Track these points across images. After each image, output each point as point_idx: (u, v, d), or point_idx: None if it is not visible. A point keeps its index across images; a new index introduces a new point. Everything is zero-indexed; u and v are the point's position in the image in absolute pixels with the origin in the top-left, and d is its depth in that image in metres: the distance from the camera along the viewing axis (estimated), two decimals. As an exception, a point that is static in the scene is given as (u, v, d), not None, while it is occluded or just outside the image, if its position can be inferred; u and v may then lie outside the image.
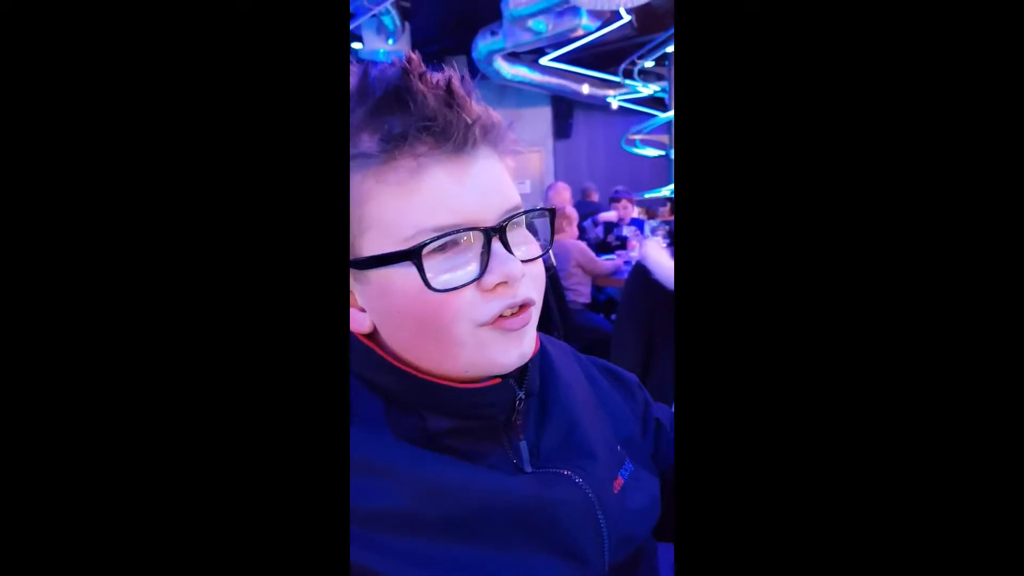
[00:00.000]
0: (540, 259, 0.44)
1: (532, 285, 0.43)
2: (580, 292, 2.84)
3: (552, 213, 0.46)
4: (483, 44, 5.74)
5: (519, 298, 0.41)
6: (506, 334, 0.41)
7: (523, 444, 0.46)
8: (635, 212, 4.11)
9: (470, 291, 0.40)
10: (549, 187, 3.72)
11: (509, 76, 6.20)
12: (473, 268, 0.40)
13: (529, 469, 0.45)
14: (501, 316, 0.41)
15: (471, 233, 0.39)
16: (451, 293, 0.39)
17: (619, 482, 0.49)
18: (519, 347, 0.42)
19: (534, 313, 0.43)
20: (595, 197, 5.08)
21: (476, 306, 0.40)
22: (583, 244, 3.00)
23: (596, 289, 3.04)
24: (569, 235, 2.97)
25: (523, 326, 0.42)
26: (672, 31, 5.56)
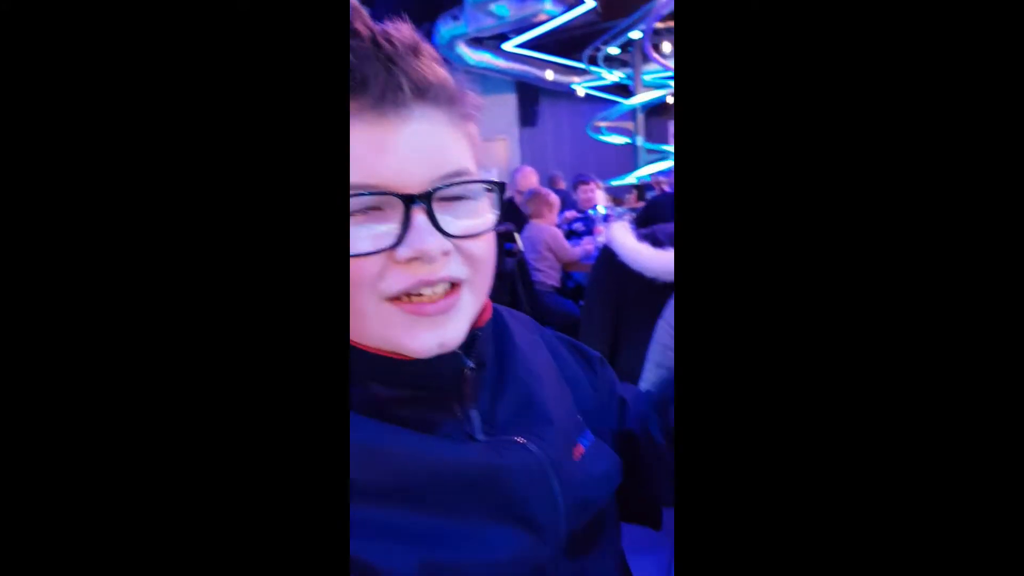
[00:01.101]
0: (484, 236, 0.40)
1: (462, 264, 0.39)
2: (550, 275, 2.83)
3: (501, 187, 0.42)
4: (445, 29, 5.65)
5: (438, 276, 0.38)
6: (417, 318, 0.38)
7: (474, 413, 0.44)
8: (602, 197, 4.10)
9: (380, 260, 0.36)
10: (516, 171, 3.66)
11: (472, 62, 6.13)
12: (387, 236, 0.36)
13: (481, 437, 0.44)
14: (418, 296, 0.38)
15: (389, 199, 0.36)
16: (357, 258, 0.36)
17: (579, 449, 0.48)
18: (436, 333, 0.39)
19: (463, 297, 0.40)
20: (562, 185, 5.07)
21: (383, 277, 0.37)
22: (555, 229, 2.98)
23: (564, 275, 3.03)
24: (548, 221, 2.95)
25: (440, 312, 0.38)
26: (636, 16, 5.58)
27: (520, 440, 0.44)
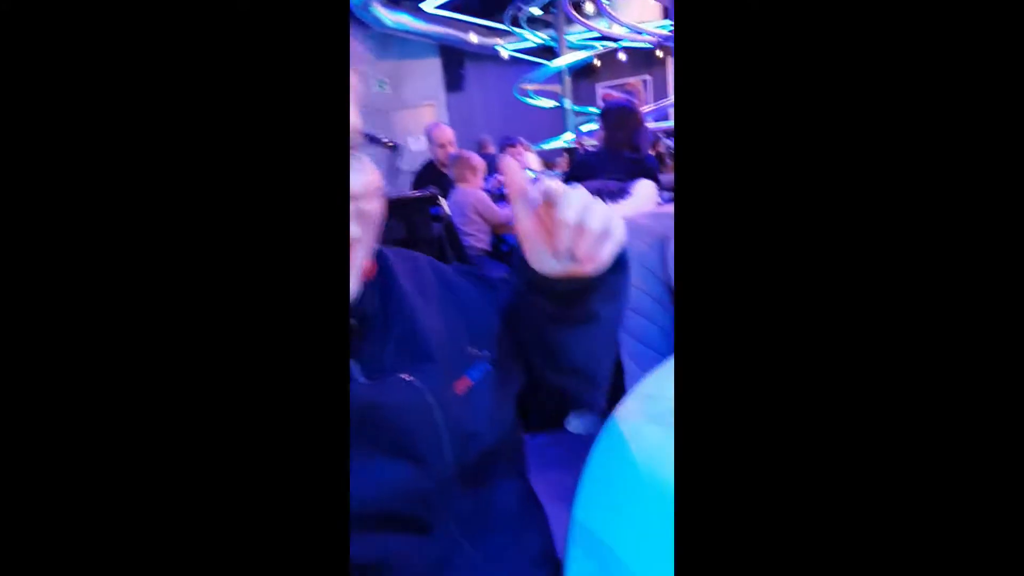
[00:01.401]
0: (376, 194, 0.42)
1: (357, 224, 0.41)
2: (479, 239, 2.80)
3: (394, 148, 0.42)
4: (359, -11, 5.35)
5: None
6: None
7: (352, 363, 0.45)
8: (533, 159, 4.07)
9: None
10: (430, 127, 3.45)
11: (391, 24, 5.86)
12: None
13: (362, 380, 0.44)
14: None
15: None
16: None
17: (465, 382, 0.48)
18: None
19: (358, 256, 0.42)
20: (491, 149, 4.99)
21: None
22: (482, 193, 2.93)
23: (497, 239, 3.01)
24: (473, 184, 2.88)
25: None
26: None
27: (406, 377, 0.44)
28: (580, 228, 0.40)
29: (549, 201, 0.41)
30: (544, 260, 0.45)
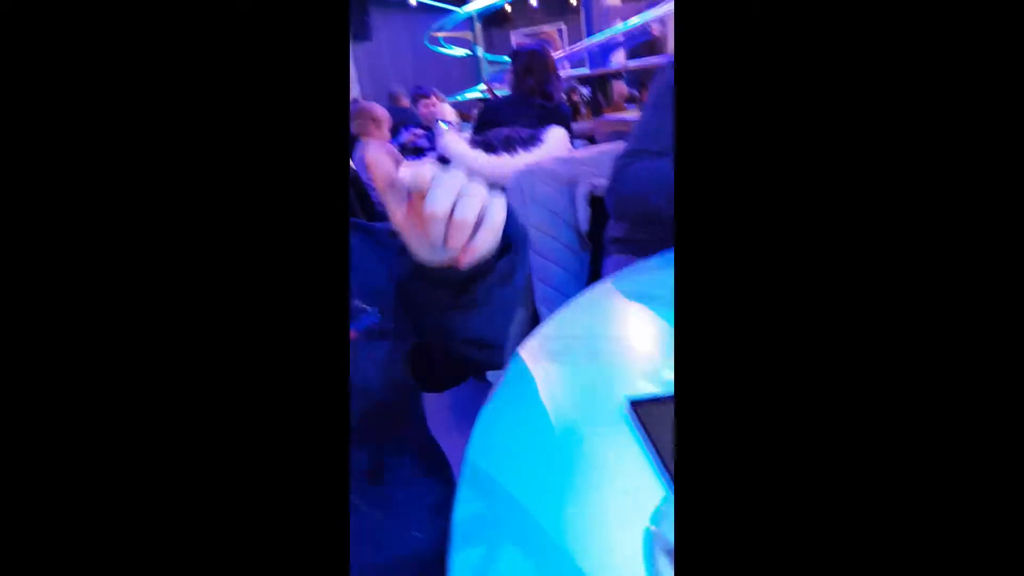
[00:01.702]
0: None
1: None
2: (391, 196, 2.71)
3: None
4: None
5: None
6: None
7: None
8: (450, 111, 3.94)
9: None
10: None
11: (284, -35, 5.37)
12: None
13: None
14: None
15: None
16: None
17: (349, 334, 0.46)
18: None
19: None
20: (405, 103, 4.78)
21: None
22: (390, 146, 2.81)
23: (412, 194, 2.91)
24: (379, 137, 2.75)
25: None
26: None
27: None
28: (450, 220, 0.36)
29: (419, 190, 0.37)
30: (423, 251, 0.42)
